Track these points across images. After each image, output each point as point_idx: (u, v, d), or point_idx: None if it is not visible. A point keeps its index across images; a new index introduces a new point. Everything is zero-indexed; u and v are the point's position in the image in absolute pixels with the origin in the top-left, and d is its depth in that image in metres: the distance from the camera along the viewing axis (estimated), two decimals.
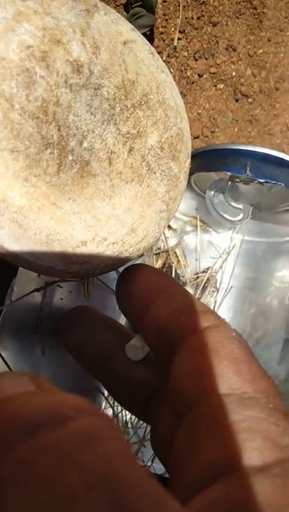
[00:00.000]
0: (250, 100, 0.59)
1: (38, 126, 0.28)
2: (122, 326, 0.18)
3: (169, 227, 0.47)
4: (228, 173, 0.41)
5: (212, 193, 0.46)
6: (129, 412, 0.19)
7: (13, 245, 0.29)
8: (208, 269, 0.48)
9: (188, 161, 0.37)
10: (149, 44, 0.34)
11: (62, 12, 0.30)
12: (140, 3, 0.46)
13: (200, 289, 0.47)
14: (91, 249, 0.32)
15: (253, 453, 0.11)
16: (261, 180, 0.42)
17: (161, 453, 0.16)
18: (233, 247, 0.48)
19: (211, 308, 0.50)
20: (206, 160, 0.42)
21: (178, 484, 0.12)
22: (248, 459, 0.11)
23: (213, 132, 0.56)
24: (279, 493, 0.10)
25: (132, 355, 0.17)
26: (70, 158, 0.29)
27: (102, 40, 0.31)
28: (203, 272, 0.47)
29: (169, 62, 0.53)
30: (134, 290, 0.16)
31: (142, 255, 0.45)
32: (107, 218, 0.32)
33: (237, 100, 0.58)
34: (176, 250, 0.47)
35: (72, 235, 0.31)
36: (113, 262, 0.36)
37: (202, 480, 0.11)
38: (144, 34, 0.49)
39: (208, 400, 0.12)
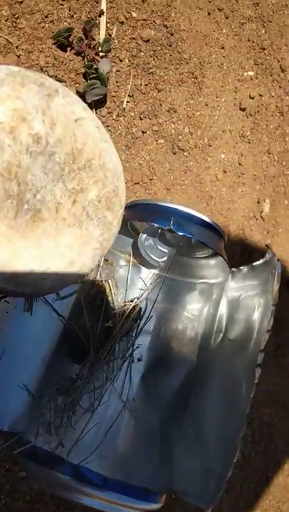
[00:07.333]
0: (186, 154, 0.70)
1: (3, 182, 0.37)
2: None
3: (106, 260, 0.57)
4: (156, 225, 0.51)
5: (144, 236, 0.56)
6: None
7: None
8: (134, 299, 0.57)
9: (122, 210, 0.47)
10: (97, 119, 0.44)
11: (29, 96, 0.39)
12: (95, 75, 0.56)
13: (125, 315, 0.56)
14: (37, 275, 0.41)
15: None
16: (180, 234, 0.52)
17: None
18: (157, 282, 0.58)
19: (133, 332, 0.59)
20: (139, 212, 0.52)
21: None
22: None
23: (151, 180, 0.66)
24: None
25: None
26: (26, 206, 0.39)
27: (58, 118, 0.40)
28: (131, 301, 0.57)
29: (118, 121, 0.63)
30: None
31: (79, 281, 0.55)
32: (51, 253, 0.41)
33: (174, 153, 0.69)
34: (109, 281, 0.56)
35: (23, 264, 0.40)
36: (54, 285, 0.45)
37: None
38: (99, 99, 0.59)
39: None
